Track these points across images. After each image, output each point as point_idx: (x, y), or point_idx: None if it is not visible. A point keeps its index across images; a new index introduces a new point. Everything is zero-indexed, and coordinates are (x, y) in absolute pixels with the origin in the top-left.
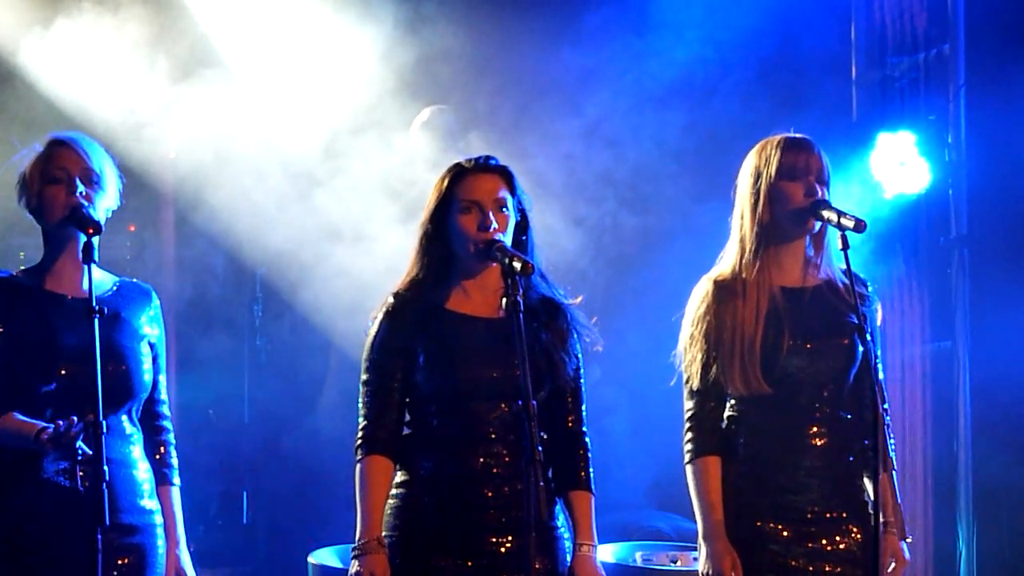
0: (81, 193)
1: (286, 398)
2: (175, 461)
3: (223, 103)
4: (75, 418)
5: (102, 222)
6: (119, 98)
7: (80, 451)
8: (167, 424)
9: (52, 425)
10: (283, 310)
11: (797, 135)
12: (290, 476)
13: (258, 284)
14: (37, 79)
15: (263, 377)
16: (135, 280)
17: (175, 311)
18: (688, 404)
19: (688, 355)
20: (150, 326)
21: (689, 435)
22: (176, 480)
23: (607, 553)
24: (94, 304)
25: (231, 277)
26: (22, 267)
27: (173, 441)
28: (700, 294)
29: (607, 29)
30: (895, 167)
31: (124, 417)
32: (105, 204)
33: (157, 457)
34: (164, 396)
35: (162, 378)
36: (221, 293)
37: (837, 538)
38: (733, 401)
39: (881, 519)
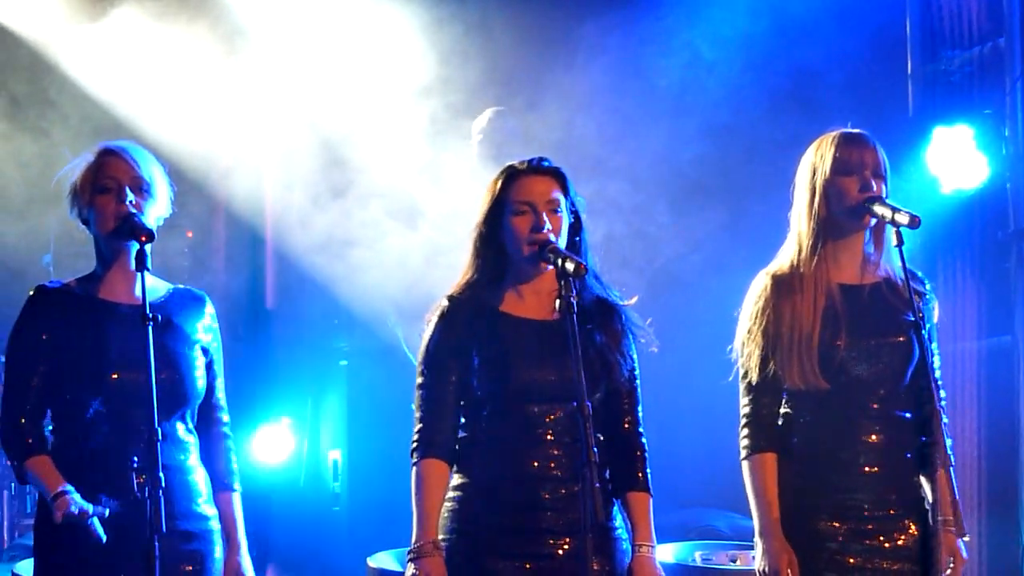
0: (131, 202)
1: (365, 402)
2: (235, 466)
3: (279, 107)
4: (91, 508)
5: (154, 229)
6: (175, 106)
7: (135, 459)
8: (225, 430)
9: (71, 493)
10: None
11: (853, 130)
12: (352, 478)
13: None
14: (91, 86)
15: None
16: (189, 287)
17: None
18: (744, 400)
19: (745, 350)
20: (204, 332)
21: (745, 431)
22: (236, 485)
23: (667, 553)
24: (148, 311)
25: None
26: (76, 276)
27: (232, 446)
28: (758, 289)
29: (664, 25)
30: (952, 162)
31: (179, 424)
32: (156, 212)
33: (216, 462)
34: (222, 402)
35: (219, 384)
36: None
37: (895, 535)
38: (790, 398)
39: (939, 517)
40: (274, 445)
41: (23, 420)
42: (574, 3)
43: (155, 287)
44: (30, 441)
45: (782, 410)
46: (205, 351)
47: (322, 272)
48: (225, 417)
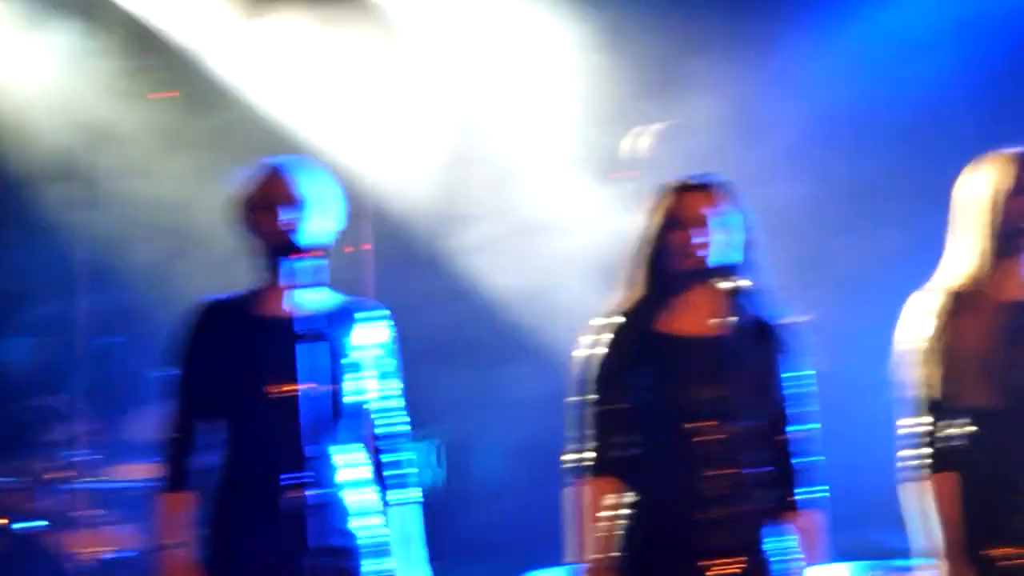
0: (287, 219)
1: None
2: (408, 478)
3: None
4: None
5: (310, 244)
6: (337, 120)
7: (288, 477)
8: (395, 443)
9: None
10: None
11: None
12: (513, 495)
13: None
14: (259, 104)
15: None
16: (359, 298)
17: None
18: (919, 420)
19: (921, 369)
20: (366, 344)
21: (921, 451)
22: (407, 497)
23: (840, 573)
24: (305, 327)
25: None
26: (236, 291)
27: (406, 458)
28: (933, 306)
29: (827, 45)
30: None
31: (335, 439)
32: (318, 227)
33: (381, 477)
34: (393, 412)
35: (391, 392)
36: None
37: None
38: (964, 418)
39: None
40: None
41: (176, 442)
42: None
43: (318, 301)
44: (174, 470)
45: (958, 430)
46: (368, 364)
47: None
48: (397, 428)
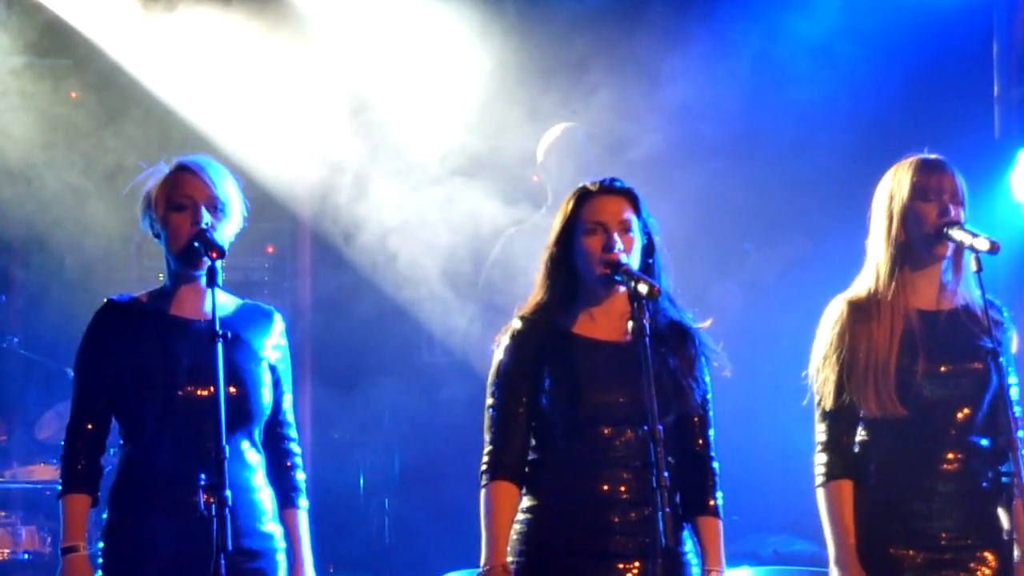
0: (207, 223)
1: (426, 420)
2: (301, 484)
3: (357, 119)
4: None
5: (226, 247)
6: (256, 118)
7: (202, 477)
8: (292, 447)
9: (76, 553)
10: (419, 329)
11: (931, 156)
12: (431, 496)
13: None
14: (171, 97)
15: (403, 399)
16: (257, 302)
17: (312, 332)
18: (820, 426)
19: (820, 376)
20: (272, 348)
21: (821, 458)
22: (302, 503)
23: None
24: (218, 328)
25: (372, 299)
26: (146, 290)
27: (299, 464)
28: (834, 315)
29: (747, 45)
30: None
31: (245, 441)
32: (229, 229)
33: (282, 480)
34: (289, 418)
35: (287, 400)
36: (360, 313)
37: (972, 566)
38: (865, 425)
39: (1017, 549)
40: None
41: (82, 441)
42: (649, 21)
43: (224, 303)
44: (79, 471)
45: (858, 437)
46: (272, 368)
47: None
48: (292, 433)
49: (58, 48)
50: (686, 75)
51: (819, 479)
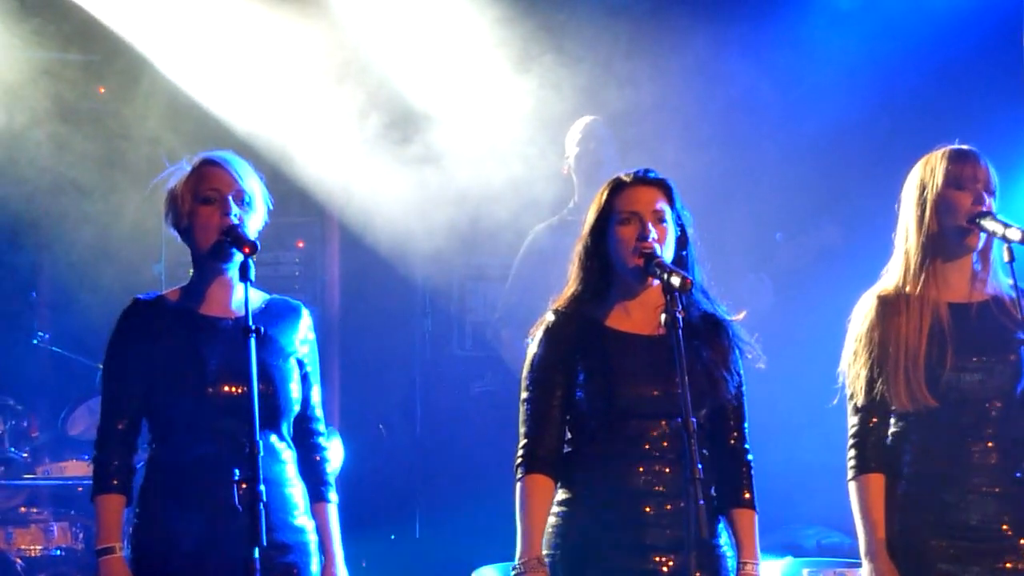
0: (235, 215)
1: (459, 413)
2: (331, 478)
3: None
4: None
5: (256, 242)
6: (285, 114)
7: (235, 472)
8: (321, 441)
9: (113, 554)
10: (450, 323)
11: (963, 146)
12: (462, 490)
13: (427, 299)
14: (202, 96)
15: (434, 391)
16: (285, 297)
17: (342, 326)
18: (852, 420)
19: (852, 371)
20: (300, 344)
21: (852, 452)
22: (332, 497)
23: (774, 569)
24: (251, 324)
25: (399, 292)
26: (173, 288)
27: (329, 458)
28: (864, 309)
29: (778, 34)
30: None
31: (274, 436)
32: (256, 224)
33: (312, 474)
34: (318, 413)
35: (315, 395)
36: (389, 308)
37: (1005, 557)
38: (898, 418)
39: None
40: None
41: (114, 441)
42: (676, 15)
43: (252, 298)
44: (112, 470)
45: (890, 430)
46: (300, 363)
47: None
48: (321, 428)
49: (86, 43)
50: (717, 66)
51: (851, 472)
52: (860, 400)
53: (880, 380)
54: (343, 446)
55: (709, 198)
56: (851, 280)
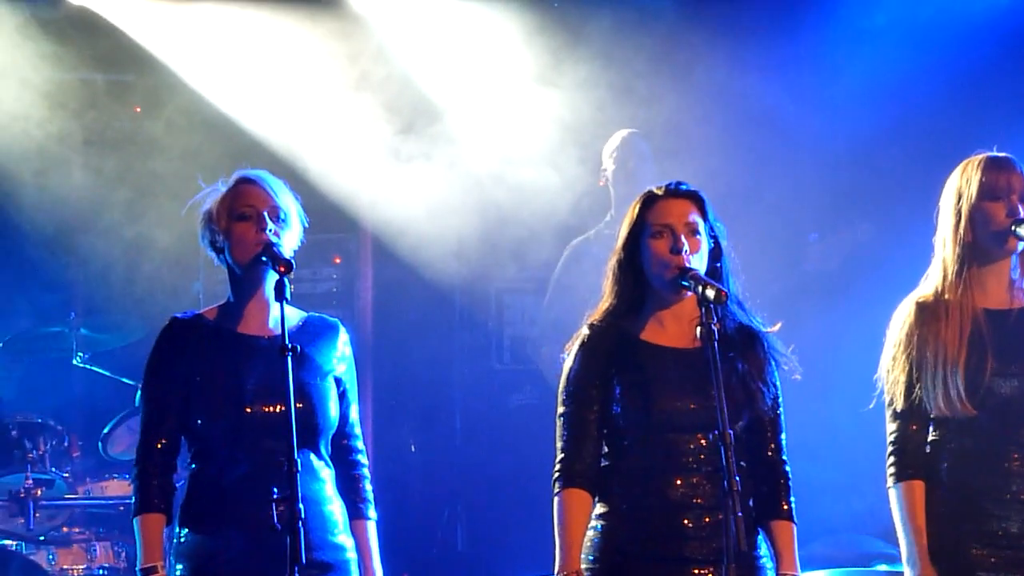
0: (271, 230)
1: (497, 427)
2: (370, 495)
3: (418, 129)
4: None
5: (292, 260)
6: (317, 130)
7: (274, 491)
8: (360, 458)
9: (161, 571)
10: (488, 337)
11: (999, 154)
12: (503, 503)
13: (463, 312)
14: (236, 113)
15: (472, 406)
16: (322, 315)
17: (379, 341)
18: (891, 427)
19: (891, 377)
20: (337, 361)
21: (892, 458)
22: (372, 514)
23: None
24: (287, 343)
25: (435, 306)
26: (210, 307)
27: (367, 475)
28: (903, 315)
29: (811, 42)
30: None
31: (313, 454)
32: (291, 242)
33: (351, 492)
34: (356, 431)
35: (353, 412)
36: (426, 322)
37: None
38: (937, 425)
39: None
40: None
41: (154, 460)
42: (702, 16)
43: (288, 316)
44: (152, 490)
45: (930, 437)
46: (338, 381)
47: None
48: (360, 445)
49: (119, 64)
50: (744, 79)
51: (890, 479)
52: (899, 406)
53: (919, 386)
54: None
55: (739, 205)
56: (887, 289)
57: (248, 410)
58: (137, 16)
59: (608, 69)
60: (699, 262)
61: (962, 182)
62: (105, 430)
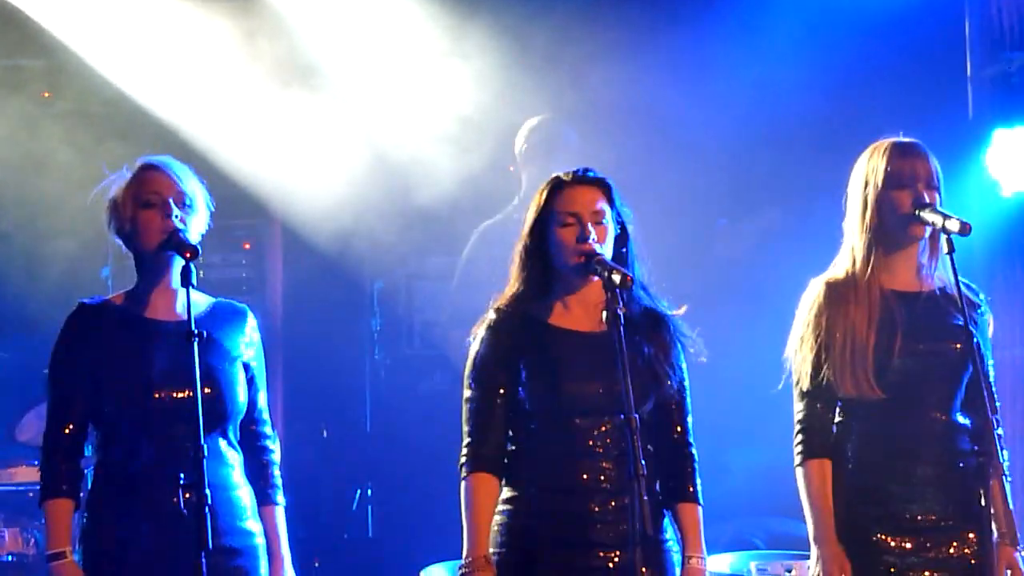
0: (177, 216)
1: (408, 412)
2: (278, 481)
3: (325, 114)
4: None
5: (198, 245)
6: (226, 116)
7: (181, 477)
8: (269, 444)
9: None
10: (398, 322)
11: (905, 140)
12: (413, 489)
13: (375, 298)
14: (144, 99)
15: (383, 392)
16: (230, 300)
17: (289, 327)
18: (798, 407)
19: (798, 357)
20: (245, 347)
21: (799, 438)
22: (280, 500)
23: (722, 563)
24: (194, 328)
25: (345, 292)
26: (118, 292)
27: (276, 461)
28: (812, 296)
29: (714, 30)
30: (1012, 164)
31: (221, 440)
32: (198, 227)
33: (259, 477)
34: (265, 416)
35: (262, 398)
36: (336, 309)
37: (954, 545)
38: (843, 406)
39: (996, 530)
40: None
41: (61, 446)
42: (615, 8)
43: (196, 302)
44: (60, 475)
45: (836, 418)
46: (246, 366)
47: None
48: (268, 431)
49: (30, 49)
50: (663, 57)
51: (797, 459)
52: (805, 386)
53: (827, 366)
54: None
55: (648, 192)
56: (794, 273)
57: (156, 395)
58: None
59: (529, 52)
60: (605, 249)
61: (868, 169)
62: (12, 417)
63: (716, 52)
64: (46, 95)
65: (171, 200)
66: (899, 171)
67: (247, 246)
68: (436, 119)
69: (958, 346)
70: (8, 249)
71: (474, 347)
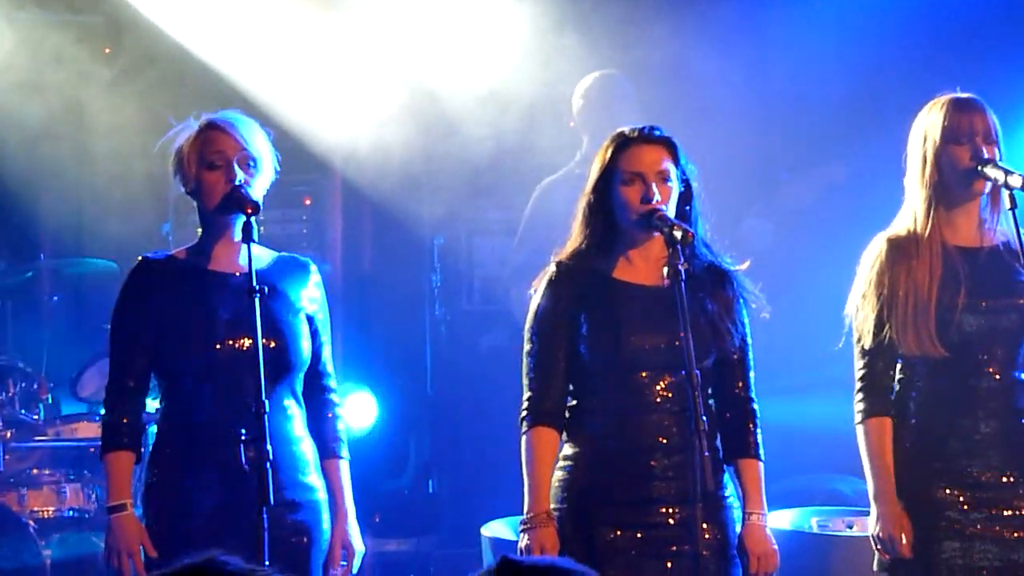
0: (241, 180)
1: (469, 369)
2: (343, 435)
3: (387, 72)
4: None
5: (260, 201)
6: (289, 71)
7: (243, 433)
8: (332, 397)
9: (124, 513)
10: (459, 278)
11: (963, 95)
12: (474, 445)
13: (435, 254)
14: (207, 55)
15: (443, 348)
16: (294, 254)
17: (349, 284)
18: (859, 364)
19: (860, 314)
20: (309, 300)
21: (859, 396)
22: (344, 453)
23: (783, 519)
24: (255, 283)
25: (405, 248)
26: (180, 248)
27: (340, 415)
28: (874, 253)
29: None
30: None
31: (285, 392)
32: (263, 184)
33: (322, 431)
34: (329, 369)
35: (326, 351)
36: (396, 264)
37: (1014, 504)
38: (904, 363)
39: None
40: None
41: (123, 399)
42: None
43: (260, 256)
44: (121, 428)
45: (898, 376)
46: (310, 319)
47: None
48: (332, 384)
49: (90, 5)
50: (724, 23)
51: (858, 416)
52: (867, 343)
53: (889, 324)
54: (377, 403)
55: (713, 141)
56: (858, 228)
57: (219, 345)
58: None
59: (590, 15)
60: (668, 208)
61: (927, 125)
62: (75, 372)
63: (784, 7)
64: (107, 51)
65: (235, 161)
66: (957, 126)
67: (308, 202)
68: (496, 77)
69: (1022, 302)
70: (66, 205)
71: (535, 301)
